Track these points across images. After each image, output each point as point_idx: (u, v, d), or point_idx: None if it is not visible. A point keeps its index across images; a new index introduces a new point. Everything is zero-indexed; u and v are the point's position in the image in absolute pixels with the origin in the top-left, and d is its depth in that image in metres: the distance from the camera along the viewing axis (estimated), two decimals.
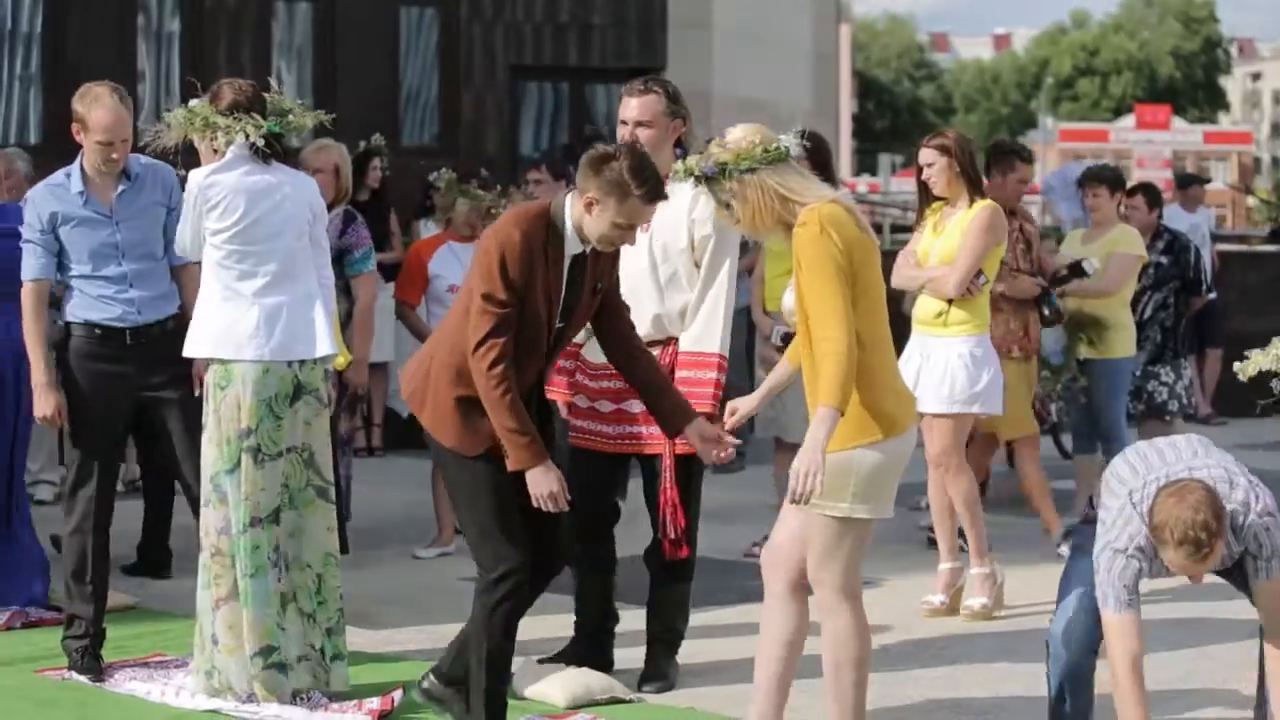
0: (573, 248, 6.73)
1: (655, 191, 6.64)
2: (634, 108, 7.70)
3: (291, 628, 7.45)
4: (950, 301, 9.03)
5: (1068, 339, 11.43)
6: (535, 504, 6.65)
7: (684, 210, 7.65)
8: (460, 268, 10.07)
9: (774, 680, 6.59)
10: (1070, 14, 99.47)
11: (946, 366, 9.02)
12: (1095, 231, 11.59)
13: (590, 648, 7.84)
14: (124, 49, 16.12)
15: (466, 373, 6.66)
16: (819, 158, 9.14)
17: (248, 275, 7.39)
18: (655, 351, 7.64)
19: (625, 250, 7.65)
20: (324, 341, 7.51)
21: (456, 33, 17.93)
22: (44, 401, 7.90)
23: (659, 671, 7.76)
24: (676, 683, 7.72)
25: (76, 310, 7.90)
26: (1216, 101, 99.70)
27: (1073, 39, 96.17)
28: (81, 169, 7.91)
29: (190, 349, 7.48)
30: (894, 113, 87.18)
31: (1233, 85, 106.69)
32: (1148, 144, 74.21)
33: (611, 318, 7.04)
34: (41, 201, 7.90)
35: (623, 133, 7.71)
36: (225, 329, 7.36)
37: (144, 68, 16.47)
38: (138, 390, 7.92)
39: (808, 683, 6.97)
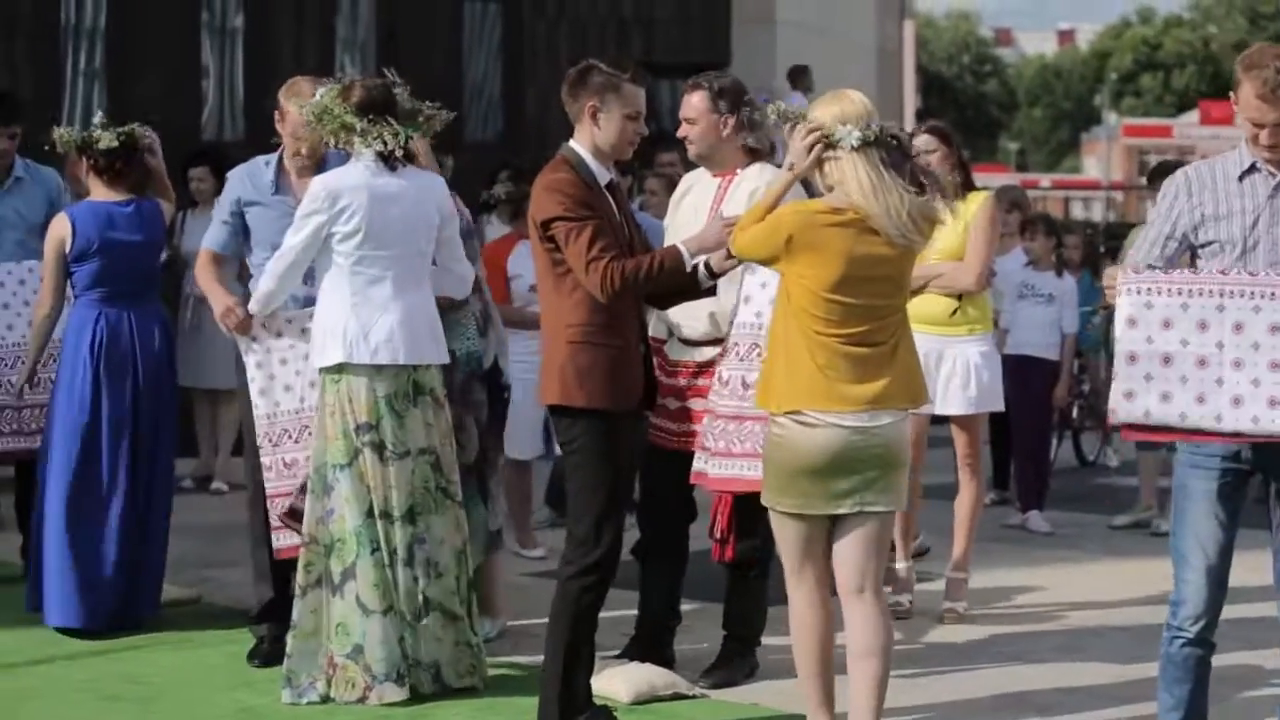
0: (603, 177, 6.82)
1: (638, 72, 6.81)
2: (683, 106, 7.72)
3: (427, 632, 7.44)
4: (959, 298, 8.89)
5: None
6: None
7: (741, 207, 7.61)
8: None
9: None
10: (1137, 9, 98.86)
11: (970, 367, 8.90)
12: None
13: (651, 645, 7.83)
14: (188, 44, 16.18)
15: (591, 327, 6.66)
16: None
17: (378, 280, 7.34)
18: (710, 351, 7.64)
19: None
20: (442, 347, 7.54)
21: (520, 28, 17.95)
22: (222, 299, 7.85)
23: (721, 666, 7.74)
24: (740, 679, 7.69)
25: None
26: None
27: (1135, 33, 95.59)
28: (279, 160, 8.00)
29: (323, 358, 7.38)
30: (958, 108, 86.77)
31: None
32: (1212, 140, 73.72)
33: None
34: (234, 182, 8.03)
35: (681, 130, 7.73)
36: (359, 335, 7.31)
37: (208, 63, 16.53)
38: None
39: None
